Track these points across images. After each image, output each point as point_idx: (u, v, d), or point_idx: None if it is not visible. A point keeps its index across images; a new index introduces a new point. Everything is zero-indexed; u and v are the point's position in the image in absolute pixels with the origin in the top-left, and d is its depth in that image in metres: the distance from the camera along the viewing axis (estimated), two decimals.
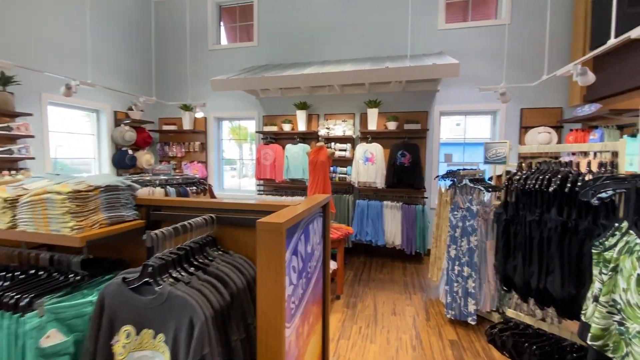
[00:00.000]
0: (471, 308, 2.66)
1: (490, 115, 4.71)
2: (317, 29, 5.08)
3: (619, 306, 0.71)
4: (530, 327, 1.44)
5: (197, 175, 4.11)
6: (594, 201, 0.80)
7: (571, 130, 3.82)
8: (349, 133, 4.75)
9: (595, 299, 0.79)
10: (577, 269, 1.13)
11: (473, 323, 2.65)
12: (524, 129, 4.40)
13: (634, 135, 2.76)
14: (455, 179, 3.21)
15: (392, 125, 4.59)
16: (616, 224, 0.77)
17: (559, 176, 1.20)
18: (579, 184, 1.05)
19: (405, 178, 4.48)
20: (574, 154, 3.86)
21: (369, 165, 4.59)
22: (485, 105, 4.51)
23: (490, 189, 2.71)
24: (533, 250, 1.24)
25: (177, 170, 5.61)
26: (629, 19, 3.00)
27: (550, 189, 1.15)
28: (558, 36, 4.23)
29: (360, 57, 4.88)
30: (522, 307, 2.62)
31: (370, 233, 4.49)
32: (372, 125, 4.66)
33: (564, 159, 3.92)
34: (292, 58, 5.18)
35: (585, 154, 3.75)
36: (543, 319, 1.43)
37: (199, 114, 4.46)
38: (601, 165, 1.19)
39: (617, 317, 0.72)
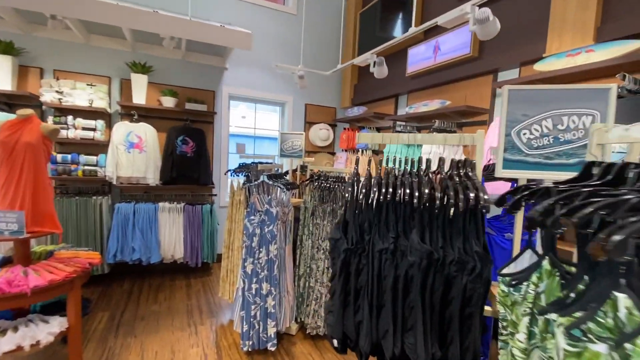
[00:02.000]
0: (271, 331, 2.20)
1: (279, 106, 4.57)
2: None
3: None
4: None
5: None
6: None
7: (344, 128, 4.23)
8: (100, 104, 3.21)
9: None
10: (441, 320, 0.80)
11: (273, 349, 2.21)
12: (309, 124, 4.54)
13: None
14: (250, 174, 2.67)
15: (168, 102, 3.49)
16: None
17: (422, 182, 0.83)
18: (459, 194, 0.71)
19: (188, 171, 3.54)
20: (346, 150, 4.29)
21: (135, 153, 3.29)
22: (275, 95, 4.29)
23: (289, 187, 2.33)
24: (385, 295, 0.83)
25: None
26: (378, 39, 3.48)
27: (415, 202, 0.76)
28: (329, 42, 4.58)
29: None
30: (320, 313, 2.47)
31: (138, 249, 3.25)
32: (140, 98, 3.37)
33: (340, 154, 4.29)
34: None
35: (354, 151, 4.28)
36: None
37: None
38: (458, 163, 0.90)
39: None
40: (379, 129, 3.93)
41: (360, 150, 3.94)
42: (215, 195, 3.82)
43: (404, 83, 3.48)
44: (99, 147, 3.32)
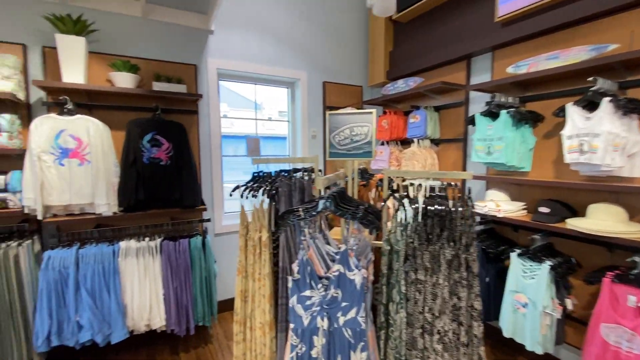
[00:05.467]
0: None
1: (287, 87, 3.32)
2: None
3: None
4: None
5: None
6: None
7: (385, 112, 3.04)
8: (2, 86, 1.88)
9: None
10: None
11: None
12: (330, 109, 3.32)
13: (492, 115, 2.05)
14: (278, 193, 1.46)
15: (125, 80, 2.20)
16: None
17: None
18: None
19: (163, 189, 2.27)
20: (387, 143, 3.11)
21: (73, 165, 2.01)
22: (283, 70, 3.05)
23: (375, 219, 1.12)
24: None
25: None
26: None
27: None
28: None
29: None
30: None
31: (88, 324, 1.96)
32: (75, 75, 2.06)
33: (380, 149, 3.10)
34: None
35: (402, 142, 3.09)
36: None
37: None
38: None
39: None
40: (438, 109, 2.77)
41: (415, 140, 2.76)
42: (209, 220, 2.55)
43: (485, 35, 2.32)
44: (10, 160, 2.00)
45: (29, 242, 1.98)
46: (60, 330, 1.93)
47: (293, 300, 1.06)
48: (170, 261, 2.20)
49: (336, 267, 1.02)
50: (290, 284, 1.06)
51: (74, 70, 2.05)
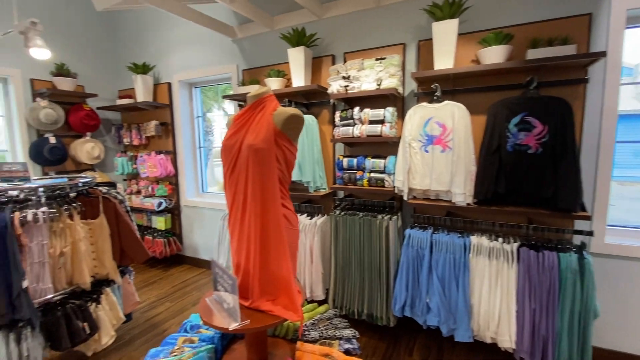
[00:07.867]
0: None
1: None
2: None
3: None
4: None
5: (88, 178, 2.15)
6: None
7: None
8: (389, 84, 2.20)
9: None
10: None
11: None
12: None
13: None
14: None
15: (495, 55, 1.91)
16: None
17: None
18: None
19: (529, 182, 1.81)
20: None
21: (435, 152, 2.04)
22: None
23: None
24: None
25: (133, 167, 3.78)
26: None
27: None
28: None
29: None
30: None
31: (436, 310, 1.97)
32: (445, 61, 2.04)
33: None
34: None
35: None
36: None
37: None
38: None
39: None
40: None
41: None
42: (590, 234, 1.80)
43: None
44: (388, 147, 2.37)
45: (395, 217, 2.26)
46: (413, 305, 2.07)
47: None
48: (529, 275, 1.75)
49: None
50: None
51: (445, 55, 2.03)
